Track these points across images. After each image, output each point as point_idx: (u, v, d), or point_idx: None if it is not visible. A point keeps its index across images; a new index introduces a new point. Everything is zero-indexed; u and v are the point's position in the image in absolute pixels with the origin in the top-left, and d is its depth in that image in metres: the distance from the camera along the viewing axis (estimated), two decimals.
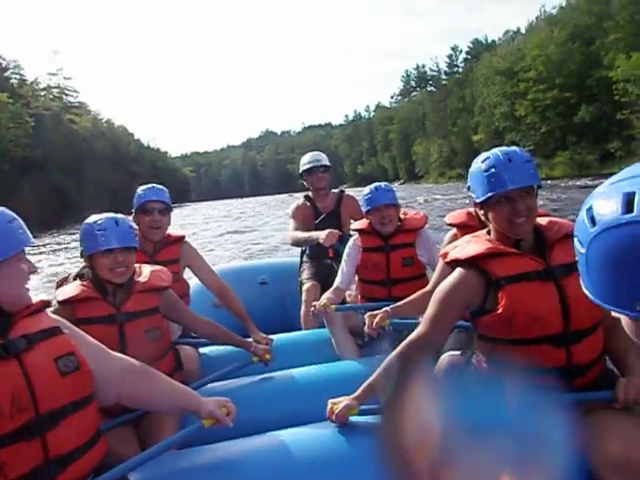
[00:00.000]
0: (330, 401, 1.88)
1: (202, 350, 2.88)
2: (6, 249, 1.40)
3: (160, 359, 2.28)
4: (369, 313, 2.61)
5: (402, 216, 3.18)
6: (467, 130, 65.61)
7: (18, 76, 51.99)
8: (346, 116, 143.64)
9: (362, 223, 3.22)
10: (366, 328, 2.60)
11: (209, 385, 2.45)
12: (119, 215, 2.32)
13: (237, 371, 2.58)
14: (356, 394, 1.87)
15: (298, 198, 4.12)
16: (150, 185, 3.10)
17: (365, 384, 1.88)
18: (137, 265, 2.37)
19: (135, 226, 2.39)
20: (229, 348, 2.72)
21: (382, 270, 3.09)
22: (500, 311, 1.70)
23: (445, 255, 1.88)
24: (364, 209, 3.16)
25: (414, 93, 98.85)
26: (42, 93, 53.66)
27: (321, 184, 3.97)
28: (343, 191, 4.14)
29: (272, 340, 2.74)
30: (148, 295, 2.29)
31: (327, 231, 3.48)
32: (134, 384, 1.67)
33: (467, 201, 2.70)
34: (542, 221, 1.84)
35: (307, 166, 4.00)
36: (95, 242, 2.20)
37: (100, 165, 53.29)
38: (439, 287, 1.83)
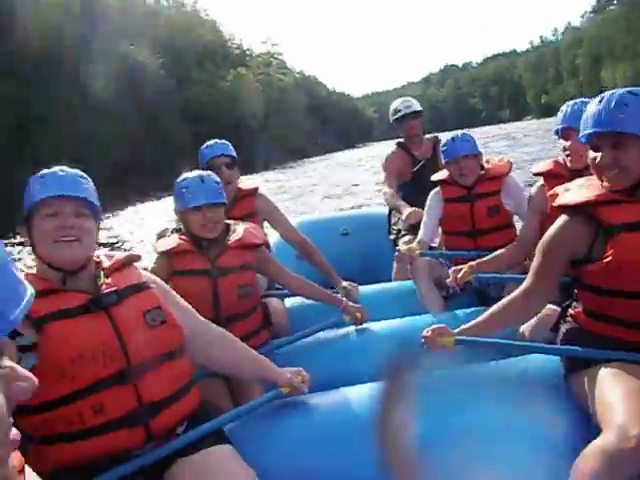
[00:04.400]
0: (426, 329, 1.78)
1: (289, 301, 2.77)
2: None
3: (250, 315, 2.24)
4: (453, 268, 2.42)
5: (485, 164, 2.86)
6: None
7: (236, 47, 62.23)
8: (531, 42, 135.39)
9: (443, 174, 2.94)
10: (449, 281, 2.42)
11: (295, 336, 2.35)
12: (205, 172, 2.25)
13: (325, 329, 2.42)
14: (453, 331, 1.76)
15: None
16: (213, 141, 2.90)
17: (462, 327, 1.77)
18: (232, 222, 2.32)
19: (219, 181, 2.25)
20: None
21: (467, 221, 2.81)
22: (608, 260, 1.52)
23: (554, 198, 1.71)
24: (443, 160, 2.88)
25: (611, 7, 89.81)
26: (259, 60, 61.10)
27: (413, 131, 3.69)
28: (437, 137, 3.79)
29: (357, 287, 2.62)
30: (241, 252, 2.22)
31: (411, 210, 3.21)
32: (220, 353, 1.69)
33: None
34: None
35: (397, 114, 3.71)
36: (183, 200, 2.17)
37: (301, 114, 62.34)
38: (544, 236, 1.68)
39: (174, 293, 1.66)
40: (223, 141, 2.91)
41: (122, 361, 1.42)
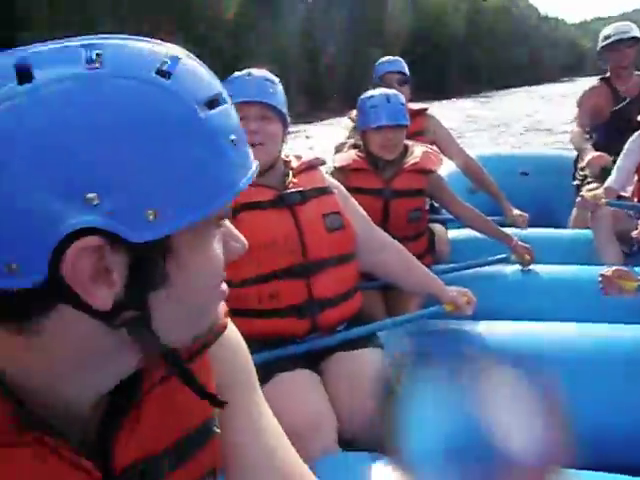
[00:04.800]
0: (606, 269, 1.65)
1: (452, 231, 2.71)
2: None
3: (416, 239, 2.24)
4: None
5: None
6: None
7: None
8: None
9: None
10: (635, 233, 2.19)
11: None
12: (391, 91, 2.23)
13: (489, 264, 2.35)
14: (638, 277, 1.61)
15: None
16: (386, 57, 2.96)
17: None
18: (410, 143, 2.28)
19: (405, 103, 2.22)
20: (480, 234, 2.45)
21: None
22: None
23: None
24: None
25: None
26: None
27: (624, 62, 3.14)
28: None
29: (527, 217, 2.52)
30: (417, 176, 2.19)
31: (595, 154, 2.84)
32: (389, 257, 1.73)
33: None
34: None
35: (609, 40, 3.16)
36: (366, 118, 2.15)
37: (502, 41, 57.13)
38: None
39: (353, 200, 1.71)
40: (396, 58, 2.95)
41: (300, 256, 1.52)
